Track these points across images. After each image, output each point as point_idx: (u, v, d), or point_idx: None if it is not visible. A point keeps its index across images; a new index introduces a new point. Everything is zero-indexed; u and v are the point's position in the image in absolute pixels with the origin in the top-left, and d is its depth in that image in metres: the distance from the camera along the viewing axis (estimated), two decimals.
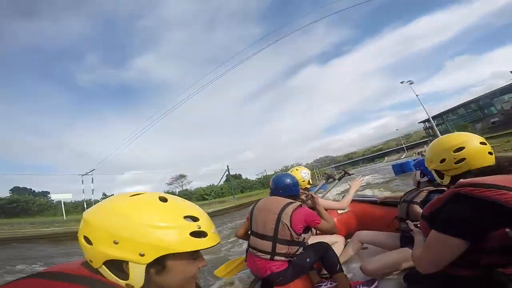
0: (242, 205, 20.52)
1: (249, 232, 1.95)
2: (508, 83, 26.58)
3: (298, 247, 1.79)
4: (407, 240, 1.89)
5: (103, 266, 0.56)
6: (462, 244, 0.83)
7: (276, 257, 1.74)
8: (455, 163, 1.08)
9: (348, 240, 2.67)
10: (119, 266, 0.56)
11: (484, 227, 0.80)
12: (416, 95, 27.96)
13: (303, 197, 2.21)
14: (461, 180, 0.86)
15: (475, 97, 35.77)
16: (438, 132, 30.72)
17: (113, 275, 0.56)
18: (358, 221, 3.11)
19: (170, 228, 0.57)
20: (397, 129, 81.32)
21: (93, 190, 22.82)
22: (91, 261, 0.57)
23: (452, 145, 1.10)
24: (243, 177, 62.14)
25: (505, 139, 14.47)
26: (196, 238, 0.59)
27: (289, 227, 1.72)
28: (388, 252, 1.91)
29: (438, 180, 1.19)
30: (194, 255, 0.63)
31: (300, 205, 1.81)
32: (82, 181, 22.12)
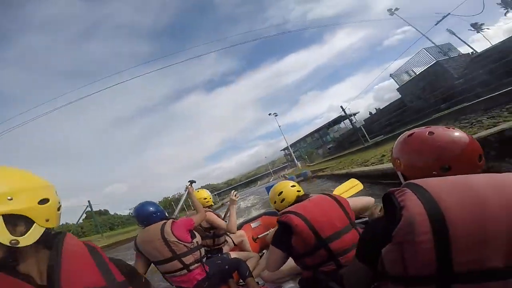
0: (117, 243, 19.44)
1: (151, 264, 2.00)
2: (338, 115, 34.02)
3: (198, 250, 1.98)
4: None
5: None
6: (279, 252, 1.41)
7: (191, 267, 1.90)
8: (281, 202, 1.69)
9: (264, 251, 3.19)
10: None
11: (287, 239, 1.38)
12: (279, 126, 31.84)
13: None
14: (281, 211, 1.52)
15: (316, 128, 44.53)
16: (294, 158, 36.06)
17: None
18: (266, 232, 3.26)
19: None
20: (265, 157, 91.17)
21: None
22: None
23: (277, 191, 1.73)
24: (111, 212, 52.10)
25: (337, 161, 17.61)
26: None
27: (178, 241, 1.87)
28: None
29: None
30: None
31: (171, 221, 1.95)
32: None
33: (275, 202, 1.74)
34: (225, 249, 2.92)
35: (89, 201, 29.70)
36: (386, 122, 18.97)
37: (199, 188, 3.25)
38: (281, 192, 1.69)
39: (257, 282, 2.27)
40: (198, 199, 2.89)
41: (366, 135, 19.22)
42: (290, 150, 36.67)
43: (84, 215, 33.64)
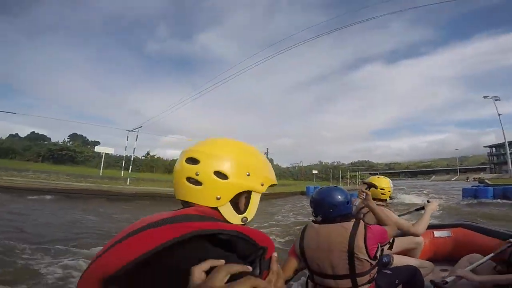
0: (274, 194, 18.13)
1: (306, 271, 1.68)
2: None
3: (376, 267, 1.56)
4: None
5: (228, 202, 0.63)
6: None
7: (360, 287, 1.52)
8: None
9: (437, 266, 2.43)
10: (236, 202, 0.65)
11: None
12: (498, 115, 23.80)
13: (361, 196, 1.94)
14: None
15: None
16: (510, 161, 26.04)
17: (233, 209, 0.63)
18: (456, 248, 2.78)
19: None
20: (456, 149, 72.93)
21: (134, 149, 23.03)
22: (219, 198, 0.62)
23: None
24: (274, 162, 60.16)
25: None
26: None
27: (368, 258, 1.45)
28: None
29: None
30: None
31: (364, 225, 1.49)
32: (127, 137, 22.48)
33: None
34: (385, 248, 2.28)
35: (267, 149, 36.08)
36: None
37: (377, 175, 2.78)
38: None
39: None
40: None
41: None
42: (508, 149, 26.74)
43: None
